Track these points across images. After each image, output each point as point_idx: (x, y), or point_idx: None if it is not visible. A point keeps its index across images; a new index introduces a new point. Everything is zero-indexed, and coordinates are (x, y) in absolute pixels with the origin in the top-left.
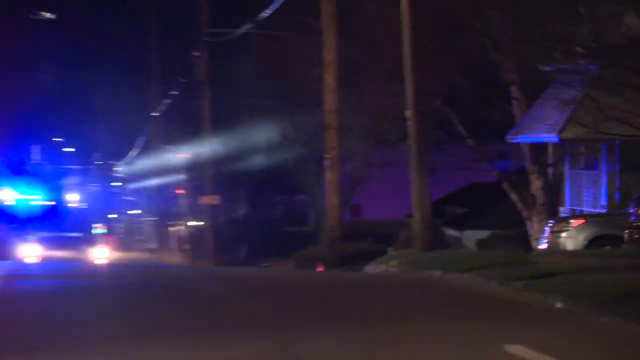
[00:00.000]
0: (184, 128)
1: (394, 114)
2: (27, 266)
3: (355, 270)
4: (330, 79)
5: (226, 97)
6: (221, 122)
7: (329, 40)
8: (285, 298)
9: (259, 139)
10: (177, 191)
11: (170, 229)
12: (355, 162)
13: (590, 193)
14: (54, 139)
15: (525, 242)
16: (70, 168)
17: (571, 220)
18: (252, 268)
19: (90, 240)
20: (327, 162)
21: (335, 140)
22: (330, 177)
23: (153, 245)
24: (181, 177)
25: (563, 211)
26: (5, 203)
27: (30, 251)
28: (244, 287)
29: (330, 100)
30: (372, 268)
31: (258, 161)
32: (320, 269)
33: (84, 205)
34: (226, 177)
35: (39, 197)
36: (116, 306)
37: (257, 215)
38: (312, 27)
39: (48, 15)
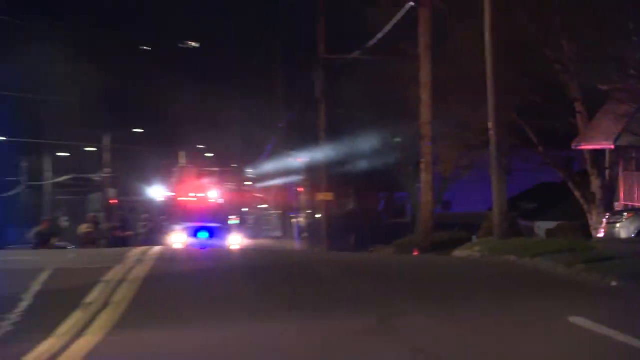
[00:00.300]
0: (303, 137)
1: (477, 124)
2: (174, 251)
3: (445, 255)
4: (425, 96)
5: (338, 111)
6: (334, 132)
7: (424, 64)
8: (385, 278)
9: (365, 145)
10: (298, 189)
11: (292, 220)
12: (445, 165)
13: None
14: (197, 146)
15: (585, 232)
16: (210, 170)
17: (624, 213)
18: (359, 253)
19: (226, 229)
20: (422, 165)
21: (429, 147)
22: (424, 177)
23: (277, 233)
24: (301, 177)
25: (617, 206)
26: (159, 200)
27: (178, 238)
28: (351, 269)
29: (424, 114)
30: (458, 253)
31: (364, 164)
32: (415, 253)
33: (221, 201)
34: (338, 177)
35: (185, 194)
36: (245, 284)
37: (363, 209)
38: (410, 53)
39: (193, 44)
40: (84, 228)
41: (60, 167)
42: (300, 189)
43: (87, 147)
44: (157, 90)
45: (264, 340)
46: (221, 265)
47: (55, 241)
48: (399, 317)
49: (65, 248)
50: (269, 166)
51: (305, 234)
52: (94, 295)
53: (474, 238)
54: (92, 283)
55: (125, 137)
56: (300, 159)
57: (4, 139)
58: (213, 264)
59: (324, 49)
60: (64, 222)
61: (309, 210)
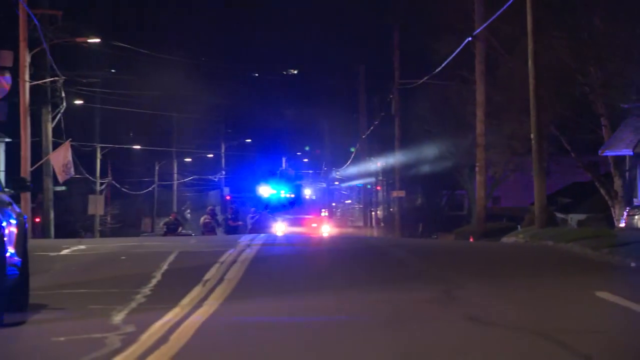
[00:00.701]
0: (381, 145)
1: (522, 135)
2: (276, 238)
3: (495, 241)
4: (479, 113)
5: (410, 124)
6: (406, 141)
7: (479, 87)
8: (446, 259)
9: (431, 152)
10: (376, 187)
11: (371, 212)
12: (496, 168)
13: None
14: (297, 153)
15: (610, 222)
16: (306, 172)
17: None
18: (425, 239)
19: (318, 220)
20: (477, 168)
21: (483, 154)
22: (479, 178)
23: (359, 223)
24: (378, 177)
25: (636, 201)
26: (263, 196)
27: (279, 228)
28: (419, 251)
29: (479, 127)
30: (506, 239)
31: (430, 167)
32: (471, 239)
33: (314, 197)
34: (408, 178)
35: (284, 191)
36: (333, 264)
37: (428, 204)
38: (468, 78)
39: (293, 71)
40: (203, 219)
41: (185, 169)
42: (378, 187)
43: (207, 154)
44: (264, 108)
45: (347, 307)
46: (314, 249)
47: (181, 230)
48: (457, 290)
49: (189, 235)
50: (353, 169)
51: (381, 224)
52: (211, 273)
53: (519, 227)
54: (209, 263)
55: (238, 146)
56: (378, 163)
57: (139, 147)
58: (307, 248)
59: (399, 75)
60: (187, 214)
61: (385, 204)
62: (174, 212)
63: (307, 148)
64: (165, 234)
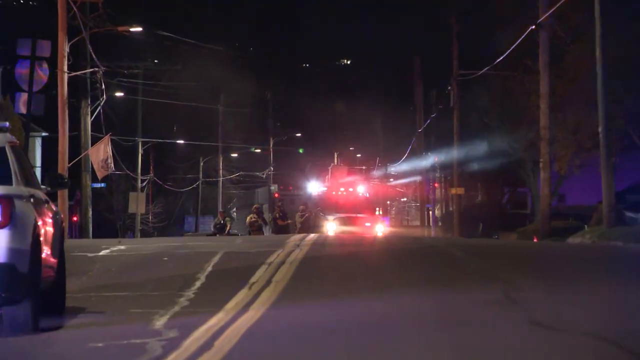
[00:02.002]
0: (438, 139)
1: (589, 129)
2: (326, 237)
3: (560, 241)
4: (543, 105)
5: (469, 117)
6: (465, 135)
7: (543, 78)
8: (507, 260)
9: (492, 146)
10: (433, 184)
11: (428, 211)
12: (560, 164)
13: None
14: (349, 148)
15: None
16: (359, 168)
17: None
18: (486, 239)
19: (372, 219)
20: (540, 164)
21: (547, 148)
22: (543, 174)
23: (416, 222)
24: (436, 174)
25: None
26: (314, 194)
27: (330, 227)
28: (477, 252)
29: (543, 120)
30: (572, 239)
31: (490, 163)
32: (535, 239)
33: (368, 195)
34: (468, 174)
35: (336, 189)
36: (388, 264)
37: (489, 201)
38: (531, 69)
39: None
40: (249, 218)
41: (231, 165)
42: (436, 184)
43: (254, 149)
44: (314, 101)
45: (402, 309)
46: (367, 249)
47: (229, 229)
48: (519, 292)
49: (236, 235)
50: (408, 165)
51: (439, 223)
52: (258, 275)
53: (586, 227)
54: (256, 264)
55: (287, 141)
56: (435, 158)
57: (182, 142)
58: (360, 248)
59: (457, 66)
60: (233, 212)
61: (443, 202)
62: (221, 210)
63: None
64: (214, 234)
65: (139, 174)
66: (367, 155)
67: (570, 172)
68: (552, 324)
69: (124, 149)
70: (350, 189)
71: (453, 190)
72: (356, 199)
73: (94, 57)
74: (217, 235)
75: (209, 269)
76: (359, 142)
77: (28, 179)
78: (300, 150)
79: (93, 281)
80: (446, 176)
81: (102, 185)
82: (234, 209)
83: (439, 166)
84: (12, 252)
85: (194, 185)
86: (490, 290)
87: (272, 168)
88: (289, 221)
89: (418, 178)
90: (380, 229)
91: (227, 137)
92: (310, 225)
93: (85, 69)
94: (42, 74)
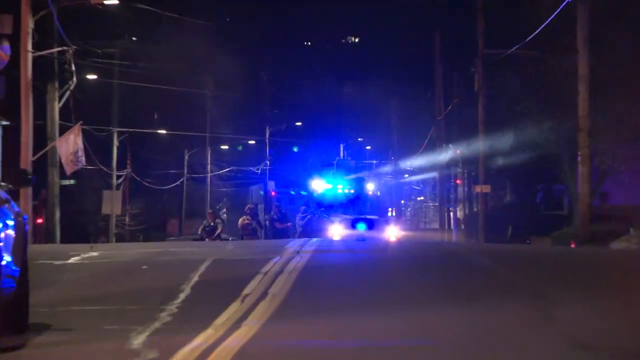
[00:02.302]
0: (461, 129)
1: (636, 117)
2: (331, 243)
3: (602, 247)
4: (583, 90)
5: (496, 104)
6: (492, 124)
7: (582, 58)
8: (541, 269)
9: (523, 138)
10: (455, 181)
11: (449, 212)
12: (603, 158)
13: None
14: (358, 139)
15: None
16: (369, 163)
17: None
18: (516, 245)
19: (383, 221)
20: (579, 158)
21: (586, 140)
22: (582, 170)
23: (435, 225)
24: (458, 169)
25: None
26: (316, 192)
27: (335, 230)
28: (507, 260)
29: (582, 107)
30: (616, 245)
31: (521, 156)
32: (573, 245)
33: (379, 193)
34: (495, 170)
35: (342, 186)
36: (402, 275)
37: (520, 201)
38: (568, 47)
39: (354, 39)
40: (242, 220)
41: (221, 159)
42: (458, 181)
43: (248, 140)
44: (318, 86)
45: (419, 329)
46: (378, 256)
47: (219, 232)
48: (556, 308)
49: (226, 240)
50: (426, 158)
51: (462, 226)
52: (252, 287)
53: (631, 230)
54: (250, 274)
55: (286, 131)
56: (458, 150)
57: (164, 132)
58: (370, 255)
59: (483, 44)
60: (223, 214)
61: (466, 202)
62: (211, 211)
63: (370, 133)
64: (202, 239)
65: (114, 170)
66: (378, 147)
67: (614, 168)
68: (595, 344)
69: (97, 140)
70: (359, 187)
71: (478, 188)
72: (365, 198)
73: (63, 34)
74: (207, 239)
75: (195, 279)
76: (368, 133)
77: None
78: (295, 149)
79: (61, 293)
80: (470, 172)
81: (72, 182)
82: (224, 210)
83: (461, 160)
84: None
85: (178, 183)
86: (523, 306)
87: (268, 162)
88: (288, 224)
89: (437, 174)
90: (393, 232)
91: (217, 126)
92: (312, 228)
93: (53, 48)
94: (3, 53)
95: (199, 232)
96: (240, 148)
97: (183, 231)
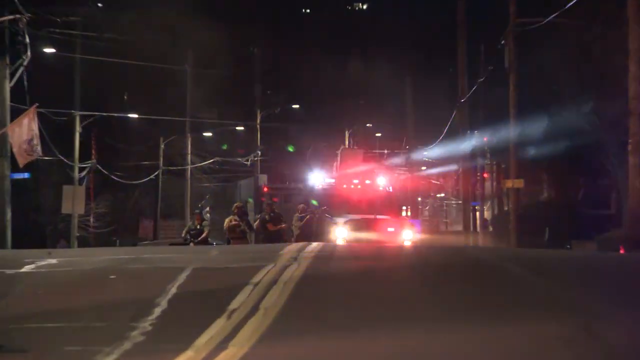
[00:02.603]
0: (488, 114)
1: None
2: (335, 248)
3: None
4: (633, 67)
5: (531, 84)
6: (525, 108)
7: (633, 29)
8: (583, 279)
9: (561, 123)
10: (482, 175)
11: (475, 211)
12: None
13: None
14: (365, 125)
15: None
16: (379, 152)
17: None
18: (554, 250)
19: (396, 223)
20: (629, 146)
21: (638, 126)
22: (632, 160)
23: (457, 227)
24: (485, 160)
25: None
26: (317, 187)
27: (340, 233)
28: (543, 267)
29: (633, 86)
30: None
31: (559, 145)
32: (621, 251)
33: (391, 189)
34: (529, 161)
35: (348, 181)
36: (420, 287)
37: (558, 198)
38: (615, 16)
39: (361, 5)
40: (229, 221)
41: (204, 149)
42: (485, 175)
43: (236, 126)
44: (319, 61)
45: (439, 352)
46: (390, 265)
47: (205, 236)
48: (601, 324)
49: (210, 244)
50: (447, 148)
51: (490, 228)
52: (240, 300)
53: None
54: (238, 285)
55: (281, 115)
56: (485, 138)
57: (136, 116)
58: (381, 263)
59: (515, 12)
60: (206, 213)
61: (494, 199)
62: (198, 212)
63: (381, 118)
64: (184, 243)
65: (77, 161)
66: (390, 134)
67: None
68: None
69: (56, 126)
70: (367, 181)
71: (509, 183)
72: (375, 195)
73: None
74: (192, 244)
75: (173, 290)
76: (379, 117)
77: None
78: (290, 149)
79: (14, 308)
80: (499, 164)
81: (26, 175)
82: (207, 209)
83: (488, 150)
84: None
85: (152, 177)
86: (563, 322)
87: (259, 152)
88: (283, 225)
89: (460, 166)
90: (409, 235)
91: (198, 110)
92: (312, 231)
93: (3, 16)
94: None
95: (183, 236)
96: (225, 147)
97: (158, 234)
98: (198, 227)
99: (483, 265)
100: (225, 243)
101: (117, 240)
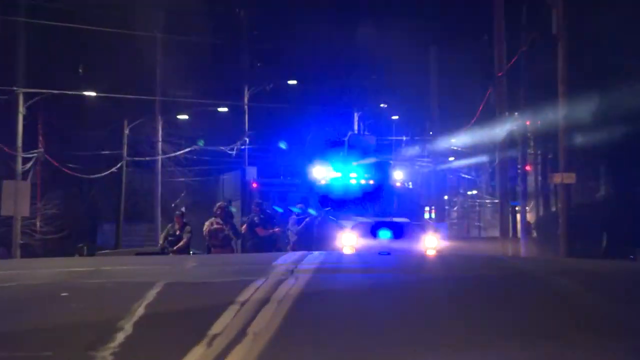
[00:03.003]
0: (531, 92)
1: None
2: (341, 257)
3: None
4: None
5: (584, 54)
6: (577, 84)
7: None
8: None
9: (623, 103)
10: (524, 167)
11: (515, 212)
12: None
13: None
14: (381, 105)
15: None
16: (397, 140)
17: None
18: (614, 261)
19: (417, 227)
20: None
21: None
22: None
23: (493, 232)
24: (528, 150)
25: None
26: (319, 183)
27: (347, 240)
28: (602, 284)
29: None
30: None
31: (621, 130)
32: None
33: (410, 185)
34: (582, 150)
35: (358, 175)
36: (445, 307)
37: (619, 196)
38: None
39: None
40: (209, 224)
41: (178, 134)
42: (528, 167)
43: (218, 106)
44: (320, 27)
45: None
46: (410, 278)
47: (182, 245)
48: None
49: (191, 254)
50: (481, 134)
51: (534, 233)
52: (223, 322)
53: None
54: (221, 304)
55: (273, 93)
56: (527, 122)
57: (93, 94)
58: (398, 276)
59: None
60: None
61: (539, 197)
62: (179, 213)
63: (398, 97)
64: (161, 252)
65: (20, 149)
66: (408, 117)
67: None
68: None
69: None
70: (381, 176)
71: (557, 178)
72: (391, 193)
73: None
74: (171, 254)
75: (140, 311)
76: (394, 97)
77: None
78: (282, 146)
79: None
80: (545, 153)
81: None
82: (182, 209)
83: (532, 136)
84: None
85: (114, 169)
86: (627, 348)
87: (247, 139)
88: (277, 229)
89: (497, 157)
90: (432, 243)
91: (171, 87)
92: (313, 236)
93: None
94: None
95: (161, 243)
96: (201, 144)
97: (122, 241)
98: (178, 232)
99: (526, 280)
100: (204, 252)
101: (85, 248)
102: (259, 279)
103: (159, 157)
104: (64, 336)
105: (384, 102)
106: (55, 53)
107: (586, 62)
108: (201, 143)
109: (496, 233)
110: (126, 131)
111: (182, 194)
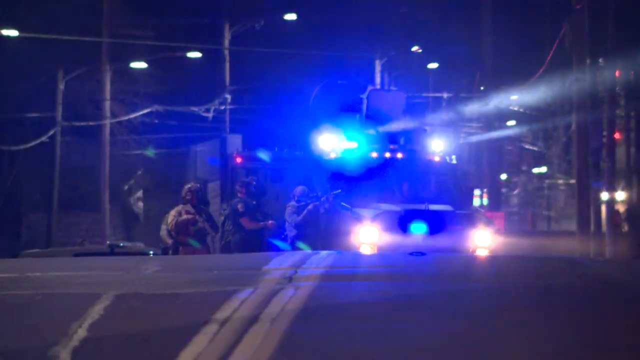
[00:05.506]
0: (622, 31)
1: None
2: (357, 259)
3: None
4: None
5: None
6: None
7: None
8: None
9: None
10: (612, 135)
11: (598, 197)
12: None
13: None
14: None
15: None
16: (435, 98)
17: None
18: None
19: (464, 217)
20: None
21: None
22: None
23: (568, 224)
24: (617, 110)
25: None
26: (327, 157)
27: (365, 235)
28: None
29: None
30: None
31: None
32: None
33: (454, 160)
34: None
35: (380, 147)
36: (493, 327)
37: None
38: None
39: None
40: (176, 212)
41: (134, 91)
42: (617, 136)
43: (189, 51)
44: None
45: None
46: (453, 289)
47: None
48: None
49: (144, 254)
50: (551, 88)
51: (624, 226)
52: (196, 350)
53: None
54: (192, 324)
55: (262, 34)
56: (617, 72)
57: (16, 34)
58: (436, 286)
59: None
60: (136, 200)
61: (633, 177)
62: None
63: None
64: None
65: None
66: (451, 67)
67: None
68: None
69: None
70: (413, 146)
71: None
72: (427, 170)
73: None
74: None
75: (82, 334)
76: (432, 37)
77: None
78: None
79: None
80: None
81: None
82: (138, 194)
83: (623, 93)
84: None
85: (45, 138)
86: None
87: (229, 97)
88: (270, 222)
89: (574, 120)
90: (485, 239)
91: (124, 24)
92: (318, 229)
93: None
94: None
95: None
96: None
97: (55, 237)
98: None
99: (614, 290)
100: (169, 252)
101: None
102: (245, 289)
103: (107, 122)
104: None
105: (418, 46)
106: None
107: None
108: (151, 153)
109: (572, 226)
110: (61, 86)
111: (139, 172)
